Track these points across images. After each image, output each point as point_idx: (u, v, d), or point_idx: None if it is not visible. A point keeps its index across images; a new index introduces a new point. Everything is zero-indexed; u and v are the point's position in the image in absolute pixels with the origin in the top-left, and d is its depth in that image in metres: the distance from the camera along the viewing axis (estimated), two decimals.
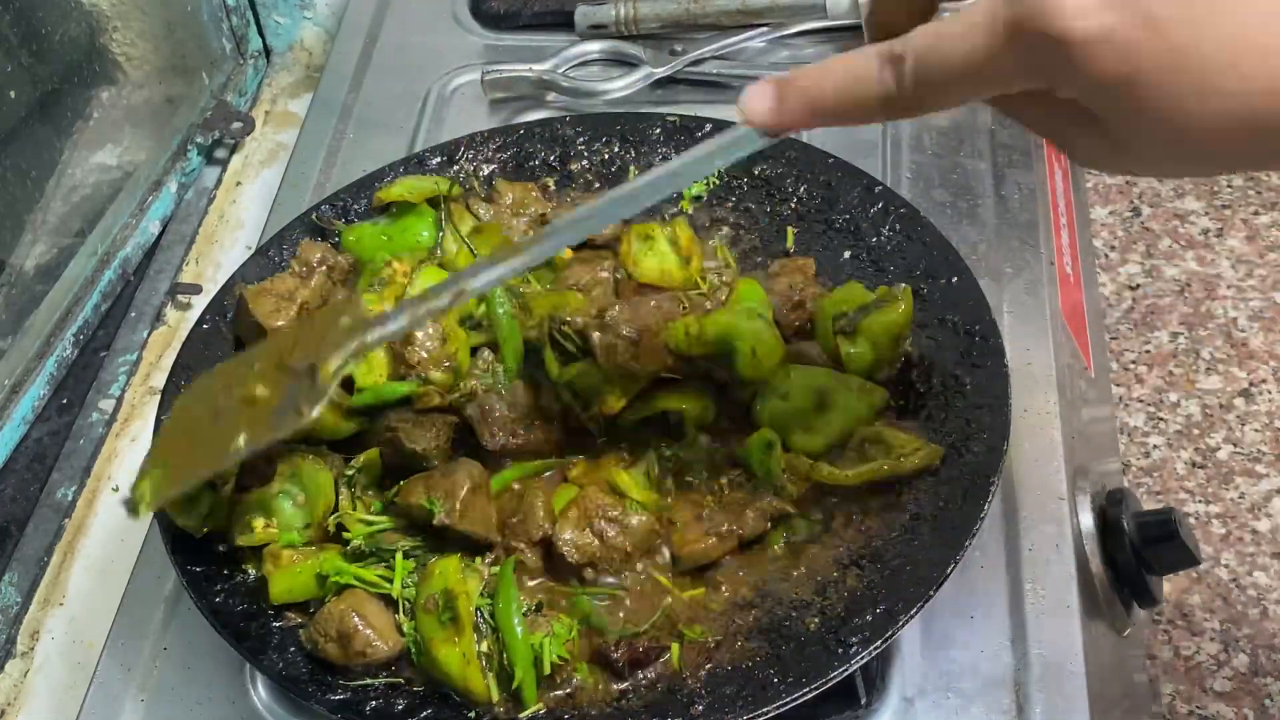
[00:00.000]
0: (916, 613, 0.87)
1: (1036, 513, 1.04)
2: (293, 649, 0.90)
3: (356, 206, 1.17)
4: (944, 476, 0.95)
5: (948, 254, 1.07)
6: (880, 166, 1.29)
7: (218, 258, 1.49)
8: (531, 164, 1.20)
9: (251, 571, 0.96)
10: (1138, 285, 1.47)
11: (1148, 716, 1.16)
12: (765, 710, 0.84)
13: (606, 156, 1.20)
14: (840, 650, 0.87)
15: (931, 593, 0.88)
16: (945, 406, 0.99)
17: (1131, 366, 1.40)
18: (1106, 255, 1.50)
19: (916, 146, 1.32)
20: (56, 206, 1.47)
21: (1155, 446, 1.33)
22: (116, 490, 1.30)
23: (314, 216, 1.16)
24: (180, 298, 1.44)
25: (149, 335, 1.42)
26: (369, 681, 0.89)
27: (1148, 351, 1.41)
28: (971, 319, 1.02)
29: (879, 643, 0.86)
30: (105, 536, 1.26)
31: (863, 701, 0.95)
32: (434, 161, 1.19)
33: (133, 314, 1.44)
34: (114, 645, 1.04)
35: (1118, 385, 1.38)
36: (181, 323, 1.43)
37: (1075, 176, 1.47)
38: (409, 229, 1.13)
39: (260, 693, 1.00)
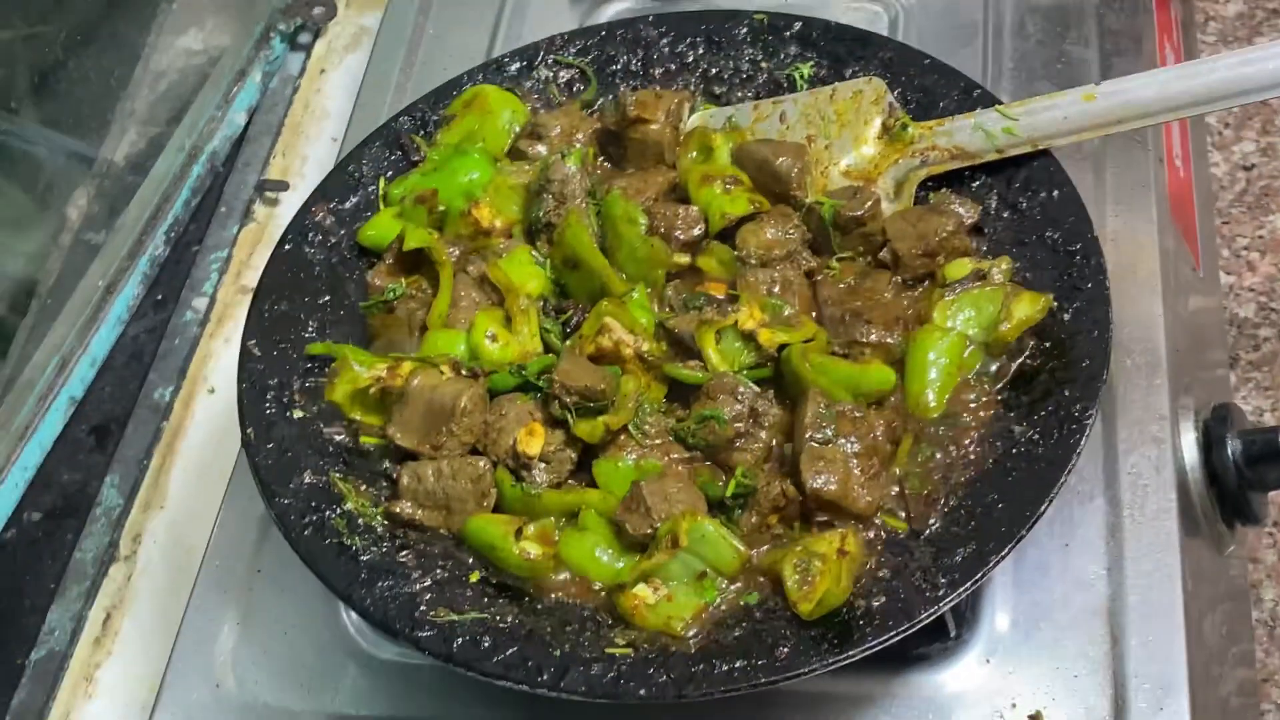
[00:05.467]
0: (1008, 553, 0.85)
1: (1137, 433, 1.01)
2: (381, 584, 0.90)
3: (434, 116, 1.14)
4: (1039, 406, 0.92)
5: (1048, 165, 1.02)
6: (980, 56, 1.23)
7: (304, 150, 1.47)
8: (612, 68, 1.15)
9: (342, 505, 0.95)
10: (1252, 165, 1.40)
11: (1247, 623, 1.14)
12: (850, 655, 0.83)
13: (690, 60, 1.15)
14: (928, 592, 0.85)
15: (1024, 532, 0.86)
16: (1041, 331, 0.96)
17: (1243, 253, 1.34)
18: (1220, 133, 1.43)
19: (1019, 33, 1.25)
20: (144, 95, 1.46)
21: (1266, 339, 1.28)
22: (213, 392, 1.31)
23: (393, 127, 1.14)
24: (268, 194, 1.43)
25: (239, 232, 1.42)
26: (455, 618, 0.89)
27: (1260, 237, 1.35)
28: (1072, 237, 0.98)
29: (968, 584, 0.85)
30: (203, 439, 1.28)
31: (952, 634, 0.94)
32: (513, 67, 1.15)
33: (222, 209, 1.43)
34: (209, 566, 1.06)
35: (1227, 274, 1.32)
36: (270, 219, 1.42)
37: (1188, 56, 1.40)
38: (457, 171, 1.11)
39: (353, 616, 1.01)
